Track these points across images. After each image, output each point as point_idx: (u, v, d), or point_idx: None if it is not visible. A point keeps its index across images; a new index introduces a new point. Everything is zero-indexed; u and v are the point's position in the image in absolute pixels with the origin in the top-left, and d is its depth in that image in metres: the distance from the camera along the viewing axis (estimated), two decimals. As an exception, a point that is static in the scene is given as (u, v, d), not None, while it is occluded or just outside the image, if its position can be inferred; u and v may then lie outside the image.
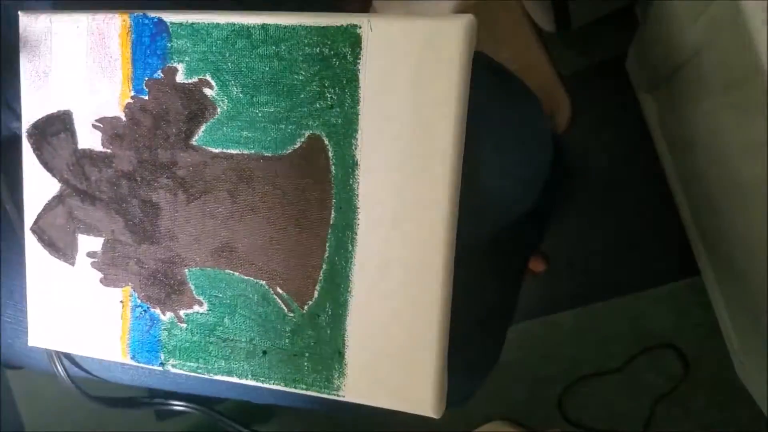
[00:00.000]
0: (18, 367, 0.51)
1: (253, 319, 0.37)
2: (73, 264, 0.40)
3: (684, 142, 0.66)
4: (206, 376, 0.38)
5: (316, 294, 0.35)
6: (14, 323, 0.46)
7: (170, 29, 0.35)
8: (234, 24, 0.34)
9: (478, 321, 0.48)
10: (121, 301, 0.39)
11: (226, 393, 0.46)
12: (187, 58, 0.35)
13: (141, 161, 0.37)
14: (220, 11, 0.35)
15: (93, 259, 0.39)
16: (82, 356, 0.45)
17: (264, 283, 0.36)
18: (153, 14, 0.35)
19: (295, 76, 0.34)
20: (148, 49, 0.36)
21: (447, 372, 0.34)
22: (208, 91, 0.35)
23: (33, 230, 0.40)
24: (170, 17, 0.35)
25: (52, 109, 0.38)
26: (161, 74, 0.36)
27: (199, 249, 0.37)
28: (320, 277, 0.35)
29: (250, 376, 0.37)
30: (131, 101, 0.37)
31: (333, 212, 0.34)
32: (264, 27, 0.34)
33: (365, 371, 0.35)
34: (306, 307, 0.36)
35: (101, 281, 0.39)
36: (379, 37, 0.32)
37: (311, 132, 0.34)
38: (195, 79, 0.35)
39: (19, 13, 0.38)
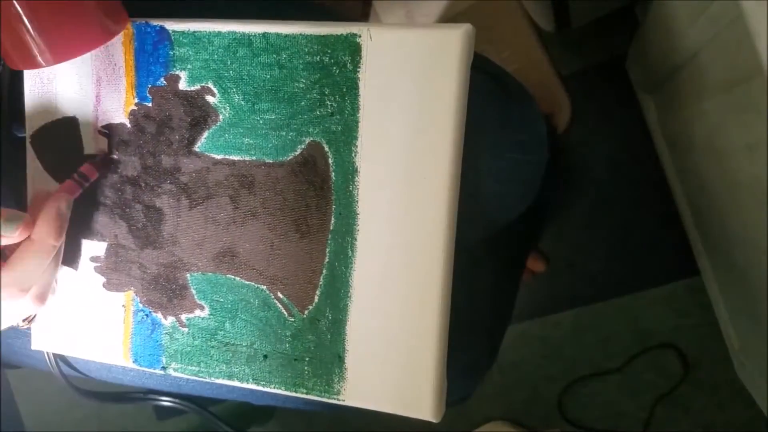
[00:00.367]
0: (17, 366, 0.51)
1: (254, 324, 0.37)
2: (76, 269, 0.40)
3: (684, 142, 0.66)
4: (207, 380, 0.39)
5: (316, 299, 0.36)
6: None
7: (172, 37, 0.36)
8: (235, 32, 0.34)
9: (476, 321, 0.48)
10: (124, 306, 0.40)
11: (226, 395, 0.47)
12: (189, 66, 0.36)
13: (145, 167, 0.38)
14: (222, 19, 0.35)
15: (96, 264, 0.40)
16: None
17: (265, 287, 0.37)
18: (155, 22, 0.36)
19: (296, 84, 0.34)
20: (151, 57, 0.36)
21: (446, 376, 0.34)
22: (210, 99, 0.36)
23: (37, 235, 0.41)
24: (172, 25, 0.35)
25: (57, 116, 0.39)
26: (164, 82, 0.36)
27: (201, 254, 0.38)
28: (320, 282, 0.35)
29: (251, 380, 0.38)
30: (135, 108, 0.37)
31: (333, 218, 0.35)
32: (265, 35, 0.34)
33: (365, 375, 0.35)
34: (306, 312, 0.36)
35: (104, 286, 0.40)
36: (379, 45, 0.32)
37: (312, 139, 0.34)
38: (197, 87, 0.36)
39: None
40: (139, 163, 0.38)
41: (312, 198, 0.35)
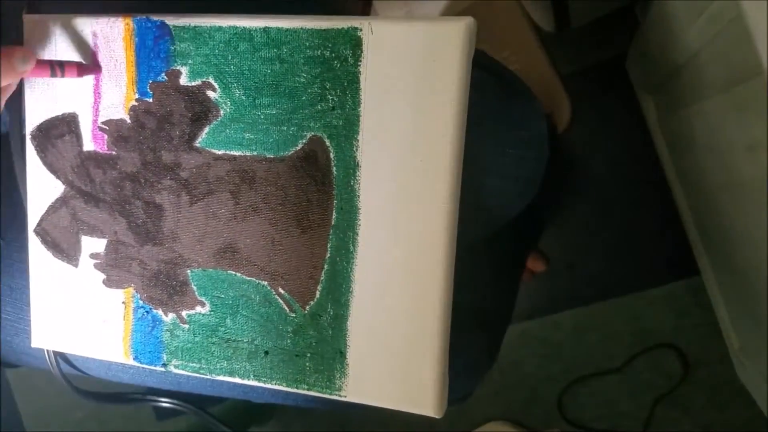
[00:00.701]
0: (16, 365, 0.51)
1: (255, 320, 0.37)
2: (76, 265, 0.40)
3: (684, 142, 0.66)
4: (208, 377, 0.39)
5: (317, 294, 0.36)
6: (14, 321, 0.46)
7: (173, 32, 0.36)
8: (236, 27, 0.34)
9: (475, 320, 0.48)
10: (124, 302, 0.40)
11: (226, 393, 0.46)
12: (190, 61, 0.36)
13: (145, 163, 0.38)
14: (222, 14, 0.35)
15: (96, 261, 0.40)
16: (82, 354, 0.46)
17: (266, 283, 0.37)
18: (156, 17, 0.36)
19: (297, 79, 0.34)
20: (151, 52, 0.36)
21: (448, 372, 0.34)
22: (211, 94, 0.36)
23: (36, 232, 0.41)
24: (173, 20, 0.35)
25: (56, 112, 0.39)
26: (165, 77, 0.36)
27: (202, 250, 0.38)
28: (322, 278, 0.35)
29: (252, 376, 0.37)
30: (136, 104, 0.37)
31: (334, 213, 0.35)
32: (266, 30, 0.34)
33: (367, 371, 0.35)
34: (308, 308, 0.36)
35: (104, 282, 0.40)
36: (380, 39, 0.32)
37: (313, 133, 0.34)
38: (198, 82, 0.36)
39: (24, 15, 0.38)
40: (139, 158, 0.38)
41: (313, 193, 0.35)
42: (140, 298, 0.39)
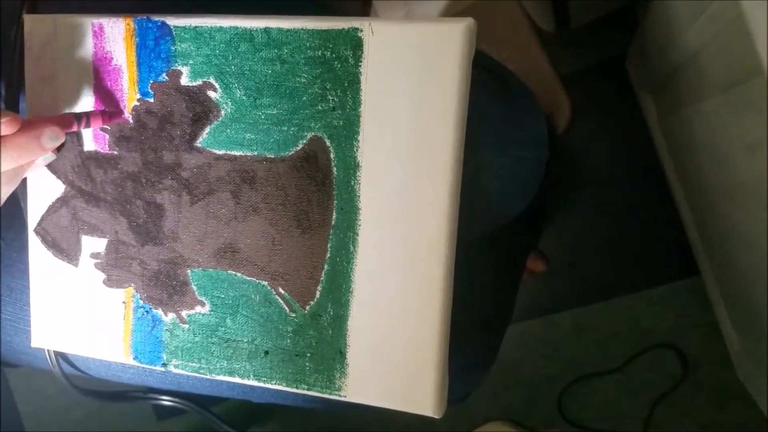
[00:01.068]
0: (16, 365, 0.51)
1: (255, 320, 0.37)
2: (76, 265, 0.40)
3: (684, 142, 0.66)
4: (208, 377, 0.39)
5: (317, 294, 0.36)
6: (13, 320, 0.46)
7: (174, 33, 0.36)
8: (237, 27, 0.34)
9: (475, 320, 0.48)
10: (124, 302, 0.40)
11: (226, 393, 0.46)
12: (191, 61, 0.36)
13: (146, 163, 0.38)
14: (223, 15, 0.35)
15: (96, 260, 0.40)
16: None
17: (266, 283, 0.37)
18: (156, 18, 0.36)
19: (298, 79, 0.34)
20: (152, 53, 0.36)
21: (448, 372, 0.34)
22: (212, 94, 0.36)
23: (37, 231, 0.41)
24: (174, 21, 0.35)
25: (57, 113, 0.39)
26: (166, 77, 0.36)
27: (202, 250, 0.38)
28: (322, 278, 0.35)
29: (252, 376, 0.38)
30: (137, 104, 0.37)
31: (335, 213, 0.35)
32: (266, 30, 0.34)
33: (367, 371, 0.35)
34: (308, 308, 0.36)
35: (104, 282, 0.40)
36: (381, 40, 0.32)
37: (313, 134, 0.34)
38: (199, 82, 0.36)
39: (24, 16, 0.38)
40: (140, 158, 0.38)
41: (313, 193, 0.35)
42: (140, 298, 0.39)
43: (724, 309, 0.72)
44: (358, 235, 0.34)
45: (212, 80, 0.35)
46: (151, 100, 0.37)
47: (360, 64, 0.33)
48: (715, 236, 0.66)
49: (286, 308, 0.36)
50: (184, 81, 0.36)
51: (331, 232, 0.35)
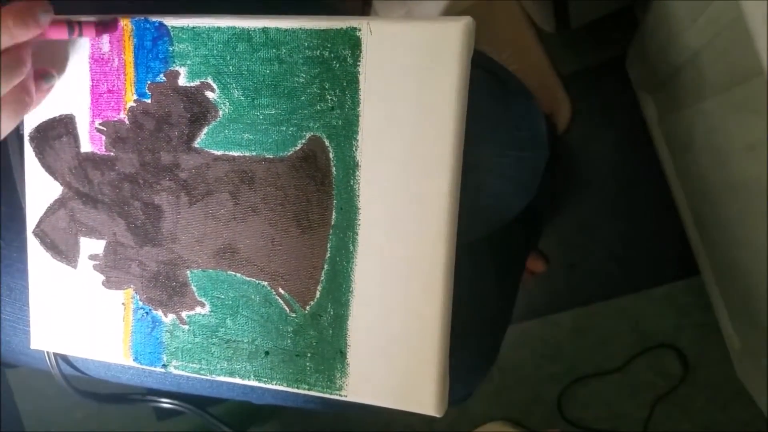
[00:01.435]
0: (15, 365, 0.51)
1: (255, 320, 0.37)
2: (75, 267, 0.40)
3: (684, 142, 0.66)
4: (208, 378, 0.38)
5: (317, 294, 0.36)
6: (13, 321, 0.46)
7: (171, 33, 0.36)
8: (235, 27, 0.34)
9: (475, 320, 0.48)
10: (123, 304, 0.39)
11: (226, 394, 0.46)
12: (188, 62, 0.35)
13: (143, 164, 0.38)
14: (221, 15, 0.35)
15: (95, 262, 0.40)
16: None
17: (266, 284, 0.37)
18: (154, 18, 0.36)
19: (296, 79, 0.34)
20: (150, 53, 0.36)
21: (449, 371, 0.34)
22: (209, 94, 0.36)
23: (35, 233, 0.40)
24: (171, 21, 0.35)
25: (54, 113, 0.39)
26: (163, 78, 0.36)
27: (201, 251, 0.37)
28: (322, 278, 0.35)
29: (252, 376, 0.37)
30: (134, 105, 0.37)
31: (334, 213, 0.35)
32: (264, 30, 0.34)
33: (367, 370, 0.35)
34: (308, 308, 0.36)
35: (103, 284, 0.40)
36: (379, 39, 0.32)
37: (312, 133, 0.34)
38: (197, 83, 0.36)
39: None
40: (137, 160, 0.38)
41: (313, 193, 0.35)
42: (140, 299, 0.39)
43: (724, 309, 0.72)
44: (357, 234, 0.34)
45: (210, 80, 0.35)
46: (149, 101, 0.37)
47: (358, 63, 0.33)
48: (715, 236, 0.66)
49: (286, 308, 0.36)
50: (182, 81, 0.36)
51: (331, 232, 0.35)
